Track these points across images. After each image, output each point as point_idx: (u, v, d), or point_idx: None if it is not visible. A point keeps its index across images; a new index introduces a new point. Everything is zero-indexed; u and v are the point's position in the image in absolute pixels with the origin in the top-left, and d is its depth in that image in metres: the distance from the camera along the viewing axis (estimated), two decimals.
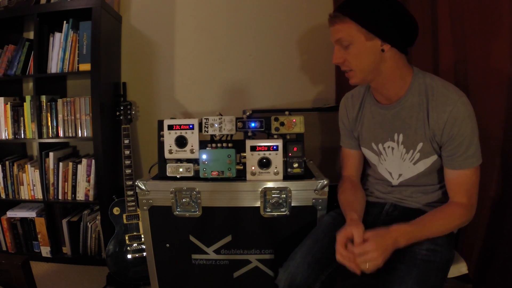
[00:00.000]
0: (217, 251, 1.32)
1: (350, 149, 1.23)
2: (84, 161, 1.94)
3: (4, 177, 2.03)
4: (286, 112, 1.30)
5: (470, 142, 0.94)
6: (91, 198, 1.96)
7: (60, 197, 1.98)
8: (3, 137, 2.00)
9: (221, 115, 1.29)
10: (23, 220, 2.05)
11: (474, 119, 0.95)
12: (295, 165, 1.26)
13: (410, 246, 0.95)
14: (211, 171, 1.26)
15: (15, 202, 2.13)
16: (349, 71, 1.01)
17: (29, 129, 1.97)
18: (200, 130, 1.29)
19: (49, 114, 1.95)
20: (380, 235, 0.89)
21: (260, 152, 1.24)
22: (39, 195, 2.00)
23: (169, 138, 1.28)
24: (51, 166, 1.95)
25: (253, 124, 1.29)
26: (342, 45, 0.98)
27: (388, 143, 1.08)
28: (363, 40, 0.94)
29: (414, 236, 0.93)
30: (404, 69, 1.01)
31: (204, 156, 1.26)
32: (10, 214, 2.04)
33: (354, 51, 0.96)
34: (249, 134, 1.30)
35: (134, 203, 1.74)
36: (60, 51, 1.90)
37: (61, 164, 1.95)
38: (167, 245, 1.34)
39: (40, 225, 2.01)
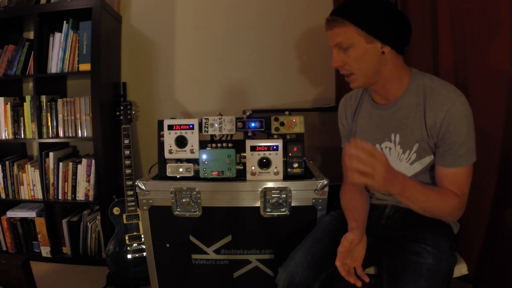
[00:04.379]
0: (217, 251, 1.32)
1: None
2: (84, 161, 1.94)
3: (4, 177, 2.03)
4: (286, 112, 1.30)
5: (463, 142, 0.93)
6: (91, 198, 1.96)
7: (60, 197, 1.98)
8: (3, 137, 2.00)
9: (221, 115, 1.29)
10: (23, 220, 2.05)
11: (470, 119, 0.94)
12: (295, 165, 1.26)
13: (414, 255, 0.93)
14: (211, 171, 1.27)
15: (15, 202, 2.13)
16: (350, 75, 1.00)
17: (29, 129, 1.97)
18: (200, 130, 1.29)
19: (49, 114, 1.95)
20: (389, 165, 0.83)
21: (260, 152, 1.24)
22: (39, 195, 2.00)
23: (169, 138, 1.28)
24: (51, 166, 1.95)
25: (253, 124, 1.29)
26: (342, 48, 0.97)
27: (385, 143, 1.08)
28: (364, 43, 0.94)
29: (415, 197, 0.91)
30: (402, 69, 1.01)
31: (204, 156, 1.26)
32: (10, 214, 2.04)
33: (354, 54, 0.95)
34: (249, 134, 1.30)
35: (134, 203, 1.74)
36: (60, 51, 1.90)
37: (61, 164, 1.95)
38: (167, 245, 1.34)
39: (40, 225, 2.01)
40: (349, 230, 1.00)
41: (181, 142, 1.27)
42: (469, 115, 0.93)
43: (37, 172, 1.99)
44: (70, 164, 1.95)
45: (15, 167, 2.02)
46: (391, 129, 1.05)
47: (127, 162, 1.76)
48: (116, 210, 1.75)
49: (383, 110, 1.07)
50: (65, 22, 1.89)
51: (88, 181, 1.94)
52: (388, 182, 0.82)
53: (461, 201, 0.96)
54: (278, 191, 1.26)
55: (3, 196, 2.05)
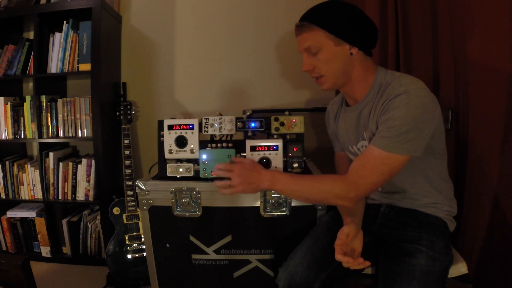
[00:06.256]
0: (217, 251, 1.32)
1: (341, 151, 1.26)
2: (84, 161, 1.94)
3: (4, 177, 2.03)
4: (286, 112, 1.30)
5: (394, 126, 0.89)
6: (91, 198, 1.96)
7: (60, 197, 1.98)
8: (3, 137, 2.00)
9: (221, 115, 1.29)
10: (23, 220, 2.05)
11: (415, 111, 0.88)
12: (295, 165, 1.26)
13: (408, 256, 0.94)
14: (211, 171, 1.26)
15: (15, 202, 2.13)
16: (320, 77, 1.03)
17: (29, 129, 1.97)
18: (200, 130, 1.29)
19: (49, 114, 1.95)
20: (248, 168, 0.99)
21: (260, 152, 1.24)
22: (39, 195, 2.00)
23: (169, 138, 1.28)
24: (51, 166, 1.95)
25: (253, 124, 1.29)
26: (311, 53, 1.00)
27: (361, 143, 1.09)
28: (332, 45, 0.97)
29: (287, 187, 0.98)
30: (369, 70, 1.03)
31: (204, 156, 1.26)
32: (10, 214, 2.04)
33: (323, 57, 0.98)
34: (249, 134, 1.30)
35: (134, 203, 1.74)
36: (60, 51, 1.90)
37: (61, 164, 1.95)
38: (167, 245, 1.34)
39: (40, 225, 2.01)
40: (345, 224, 1.01)
41: (181, 142, 1.27)
42: (413, 106, 0.88)
43: (37, 172, 1.99)
44: (70, 164, 1.95)
45: (15, 167, 2.02)
46: (362, 128, 1.07)
47: (127, 162, 1.76)
48: (116, 210, 1.75)
49: (352, 111, 1.09)
50: (65, 22, 1.89)
51: (88, 181, 1.94)
52: (252, 184, 1.00)
53: (350, 183, 0.92)
54: None
55: (3, 196, 2.05)
